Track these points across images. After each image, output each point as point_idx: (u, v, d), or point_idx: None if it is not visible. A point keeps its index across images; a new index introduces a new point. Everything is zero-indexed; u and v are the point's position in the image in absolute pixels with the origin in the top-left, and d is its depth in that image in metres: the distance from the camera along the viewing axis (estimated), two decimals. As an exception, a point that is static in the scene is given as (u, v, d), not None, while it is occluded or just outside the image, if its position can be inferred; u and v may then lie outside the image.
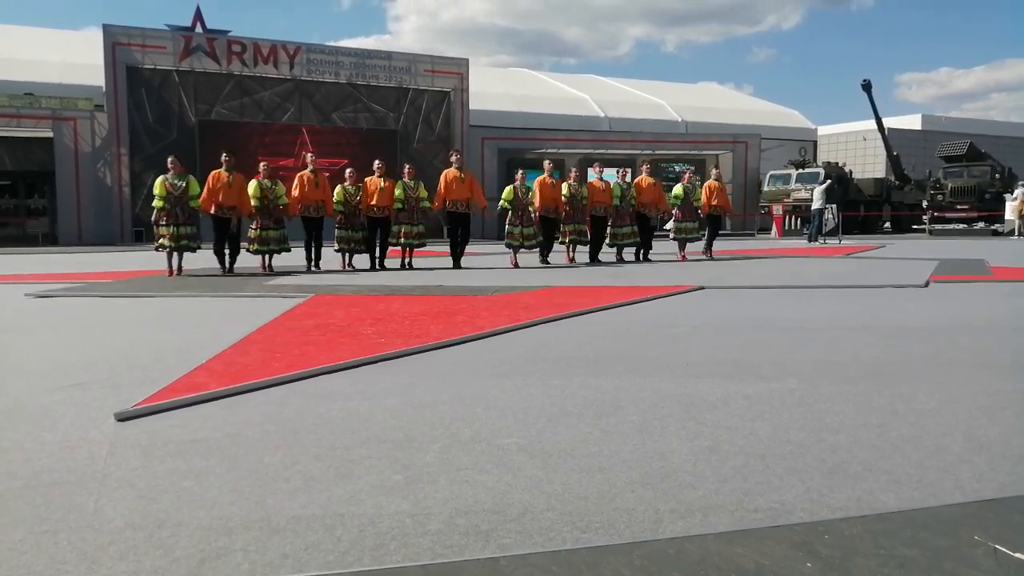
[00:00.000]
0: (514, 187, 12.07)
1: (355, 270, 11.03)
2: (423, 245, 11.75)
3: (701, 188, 13.79)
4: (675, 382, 3.67)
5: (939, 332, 5.22)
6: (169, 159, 10.56)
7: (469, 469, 2.46)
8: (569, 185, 12.32)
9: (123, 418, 3.00)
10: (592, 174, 12.92)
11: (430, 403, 3.30)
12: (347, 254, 11.38)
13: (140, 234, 20.99)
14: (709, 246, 13.57)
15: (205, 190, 10.50)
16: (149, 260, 10.62)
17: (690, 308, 6.66)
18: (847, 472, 2.43)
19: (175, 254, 10.29)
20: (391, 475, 2.41)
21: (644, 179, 13.12)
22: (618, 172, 13.15)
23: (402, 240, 11.45)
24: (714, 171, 14.46)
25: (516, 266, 11.56)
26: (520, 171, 12.63)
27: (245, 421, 3.01)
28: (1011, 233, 23.19)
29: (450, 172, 11.75)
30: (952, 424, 2.95)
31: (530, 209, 12.07)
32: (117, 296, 7.88)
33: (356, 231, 11.36)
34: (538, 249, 12.28)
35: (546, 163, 12.82)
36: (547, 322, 5.60)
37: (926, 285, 8.32)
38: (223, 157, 10.69)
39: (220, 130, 23.30)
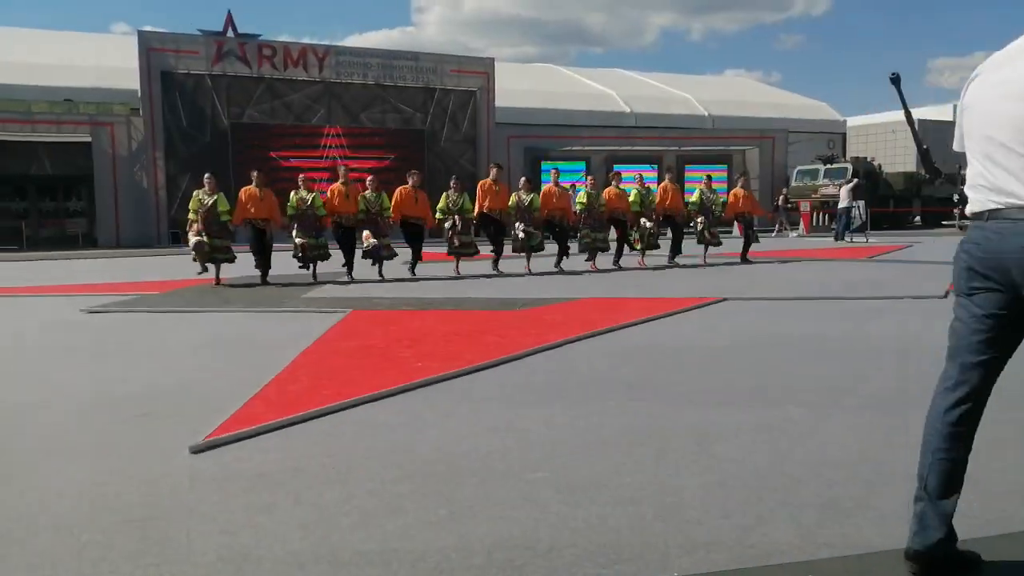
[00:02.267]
0: (517, 193, 12.50)
1: (383, 280, 11.30)
2: (476, 253, 12.29)
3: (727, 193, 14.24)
4: (691, 411, 3.98)
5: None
6: (205, 176, 11.16)
7: (502, 504, 2.80)
8: (589, 194, 12.73)
9: (196, 450, 3.38)
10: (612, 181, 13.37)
11: (466, 434, 3.64)
12: (375, 262, 11.56)
13: (176, 236, 21.63)
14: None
15: (237, 205, 11.05)
16: (190, 267, 11.14)
17: (710, 325, 6.96)
18: (839, 508, 2.72)
19: (211, 265, 10.87)
20: (436, 509, 2.76)
21: (668, 185, 13.56)
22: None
23: (451, 249, 11.99)
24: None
25: (528, 269, 12.17)
26: (523, 178, 13.02)
27: (303, 453, 3.38)
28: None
29: (486, 182, 12.42)
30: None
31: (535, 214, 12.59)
32: (168, 311, 8.32)
33: (379, 239, 11.59)
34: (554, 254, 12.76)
35: (552, 171, 13.29)
36: (573, 342, 5.93)
37: (945, 296, 8.48)
38: (253, 174, 11.26)
39: (252, 133, 23.88)
